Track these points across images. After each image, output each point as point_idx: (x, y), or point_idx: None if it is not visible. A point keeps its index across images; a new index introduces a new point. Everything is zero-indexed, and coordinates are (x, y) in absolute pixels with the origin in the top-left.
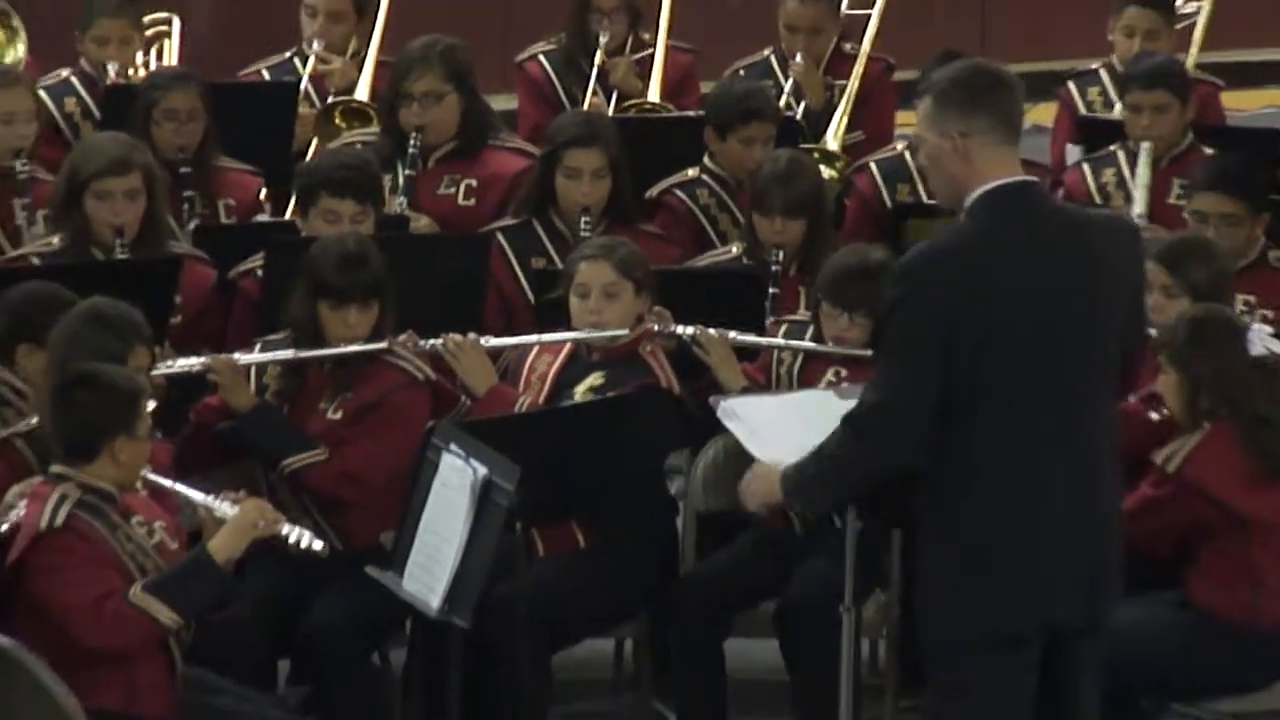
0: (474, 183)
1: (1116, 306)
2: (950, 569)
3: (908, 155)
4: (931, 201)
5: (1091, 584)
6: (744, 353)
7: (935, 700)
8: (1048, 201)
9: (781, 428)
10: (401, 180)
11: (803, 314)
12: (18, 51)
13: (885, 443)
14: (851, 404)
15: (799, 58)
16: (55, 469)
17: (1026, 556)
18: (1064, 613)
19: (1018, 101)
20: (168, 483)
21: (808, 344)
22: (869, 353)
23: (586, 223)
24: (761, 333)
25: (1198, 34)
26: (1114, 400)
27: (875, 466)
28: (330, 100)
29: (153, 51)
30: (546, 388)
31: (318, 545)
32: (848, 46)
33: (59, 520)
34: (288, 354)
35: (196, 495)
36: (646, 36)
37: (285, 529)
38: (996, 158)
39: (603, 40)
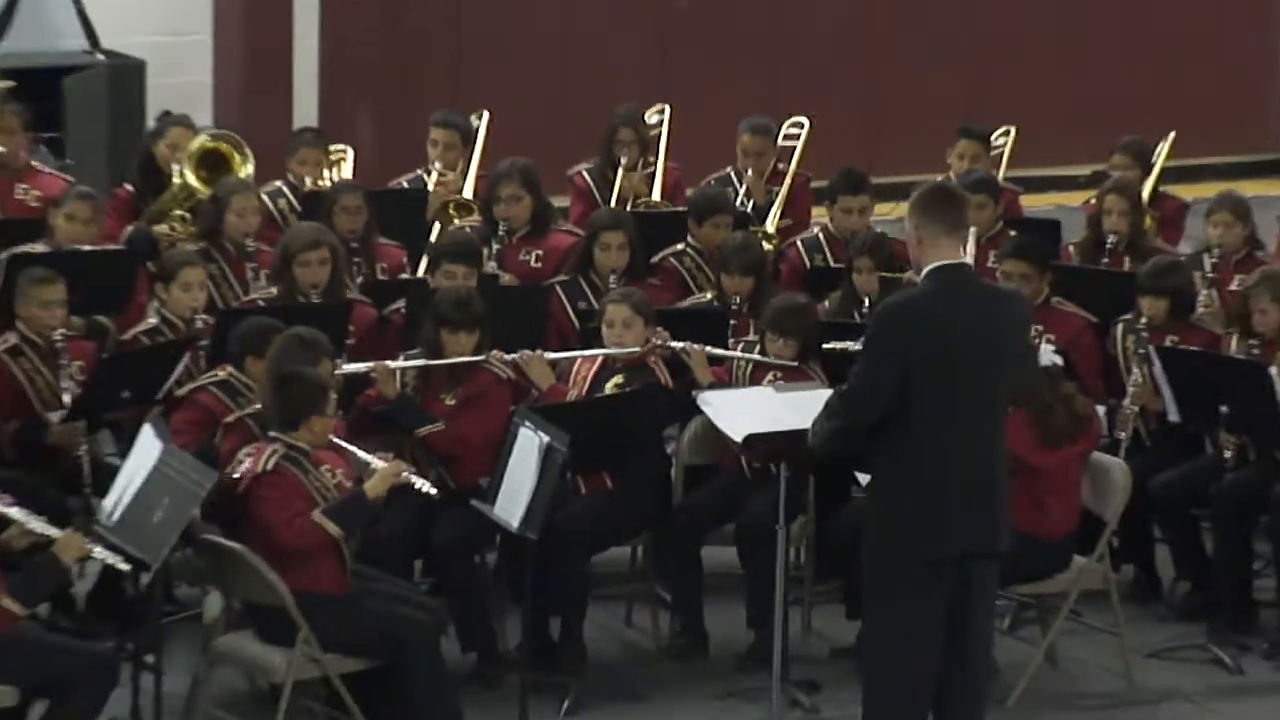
0: (541, 253)
1: (1013, 347)
2: (892, 509)
3: (821, 236)
4: (836, 265)
5: (995, 523)
6: (713, 360)
7: (869, 600)
8: (973, 276)
9: (738, 411)
10: (494, 251)
11: (752, 337)
12: (248, 169)
13: (858, 411)
14: (786, 396)
15: (749, 172)
16: (271, 434)
17: (947, 504)
18: (975, 543)
19: (963, 210)
20: (346, 445)
21: (756, 356)
22: (796, 364)
23: (613, 279)
24: (726, 348)
25: (1005, 158)
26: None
27: (853, 424)
28: (446, 200)
29: (334, 169)
30: (587, 385)
31: (432, 491)
32: (781, 165)
33: (269, 466)
34: (420, 362)
35: (361, 454)
36: (651, 159)
37: (414, 480)
38: (941, 246)
39: (623, 161)
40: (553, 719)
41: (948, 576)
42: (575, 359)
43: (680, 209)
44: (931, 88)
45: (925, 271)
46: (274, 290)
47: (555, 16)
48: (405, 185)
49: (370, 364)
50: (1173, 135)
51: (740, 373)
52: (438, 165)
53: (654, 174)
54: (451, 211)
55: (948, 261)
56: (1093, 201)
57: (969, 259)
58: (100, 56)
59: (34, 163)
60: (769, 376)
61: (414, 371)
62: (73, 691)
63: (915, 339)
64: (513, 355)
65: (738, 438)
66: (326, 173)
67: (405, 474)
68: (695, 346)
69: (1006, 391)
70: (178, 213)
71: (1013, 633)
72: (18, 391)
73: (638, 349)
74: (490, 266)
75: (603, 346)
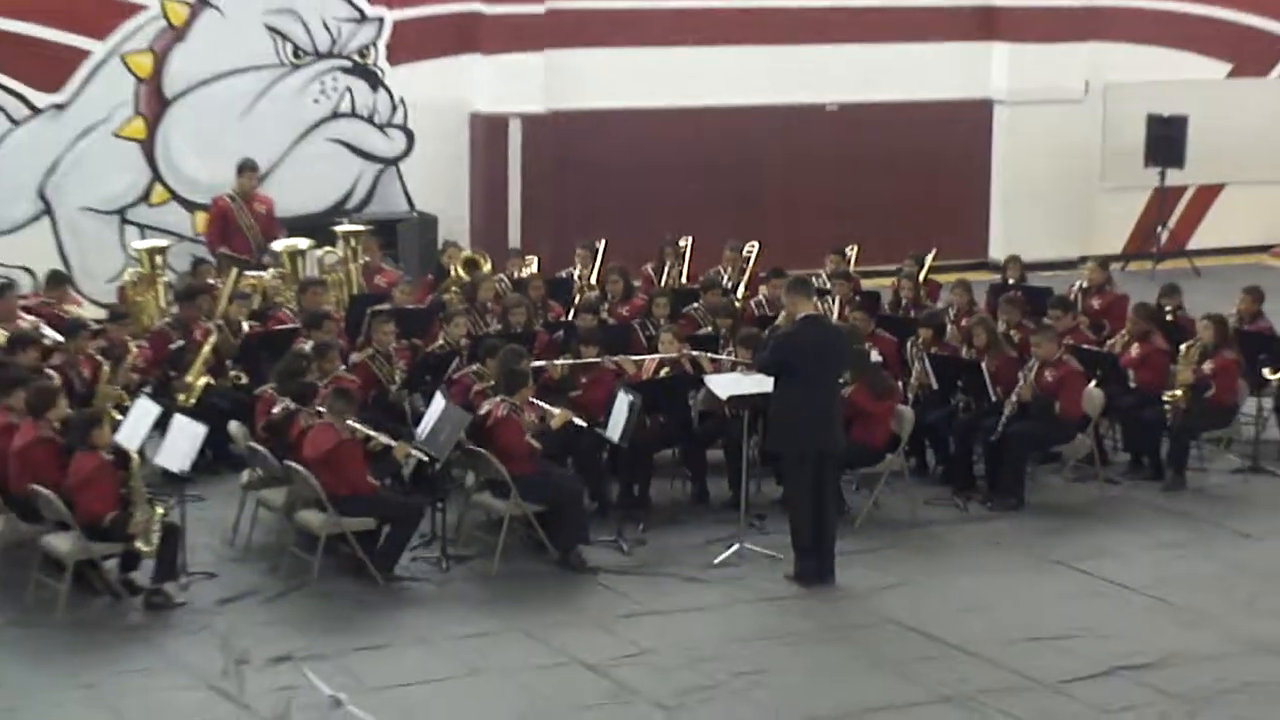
0: (628, 309)
1: (841, 352)
2: (780, 424)
3: (764, 299)
4: (772, 314)
5: (835, 432)
6: (712, 361)
7: (784, 473)
8: (822, 319)
9: (725, 384)
10: (605, 308)
11: (731, 349)
12: (487, 268)
13: (767, 370)
14: (748, 378)
15: (729, 269)
16: (503, 397)
17: (809, 421)
18: (825, 444)
19: (811, 288)
20: (537, 401)
21: (733, 359)
22: (751, 362)
23: (663, 321)
24: (719, 354)
25: (853, 260)
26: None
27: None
28: (581, 284)
29: (528, 268)
30: (650, 373)
31: (583, 424)
32: (744, 265)
33: (505, 414)
34: (570, 361)
35: (545, 405)
36: (682, 263)
37: (574, 419)
38: (804, 306)
39: (668, 264)
40: (633, 533)
41: (810, 462)
42: (645, 360)
43: (696, 287)
44: (816, 227)
45: (797, 318)
46: (499, 326)
47: (635, 195)
48: (563, 276)
49: (545, 362)
50: (935, 249)
51: (725, 367)
52: (579, 266)
53: (683, 270)
54: (585, 290)
55: (809, 313)
56: (895, 282)
57: (826, 313)
58: (415, 214)
59: (383, 265)
60: (739, 368)
61: (567, 366)
62: (402, 521)
63: (795, 346)
64: (615, 358)
65: (724, 397)
66: (525, 270)
67: (570, 416)
68: (703, 354)
69: (839, 373)
70: (454, 289)
71: (857, 491)
72: (374, 376)
73: (676, 355)
74: (604, 314)
75: (659, 354)
